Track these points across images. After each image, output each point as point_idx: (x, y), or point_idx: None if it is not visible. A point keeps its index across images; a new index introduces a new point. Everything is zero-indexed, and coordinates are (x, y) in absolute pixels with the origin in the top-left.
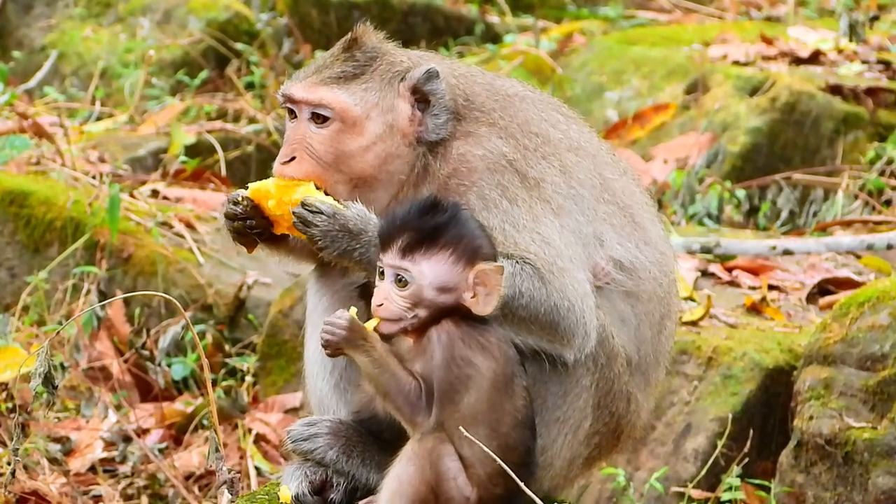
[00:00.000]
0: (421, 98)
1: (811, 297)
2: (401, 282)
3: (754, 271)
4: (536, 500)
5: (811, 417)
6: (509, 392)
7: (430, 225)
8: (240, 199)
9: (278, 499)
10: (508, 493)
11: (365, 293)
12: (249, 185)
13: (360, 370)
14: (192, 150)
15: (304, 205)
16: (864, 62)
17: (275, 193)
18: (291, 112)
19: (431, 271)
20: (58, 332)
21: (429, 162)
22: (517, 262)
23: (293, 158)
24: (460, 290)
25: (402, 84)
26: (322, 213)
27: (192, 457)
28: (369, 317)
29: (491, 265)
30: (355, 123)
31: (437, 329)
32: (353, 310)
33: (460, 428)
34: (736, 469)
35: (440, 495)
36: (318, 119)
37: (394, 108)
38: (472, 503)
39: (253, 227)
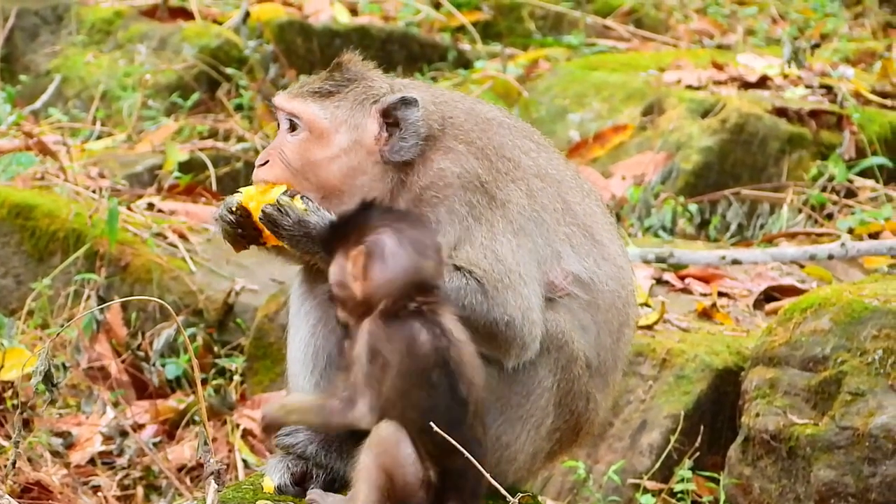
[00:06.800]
0: (393, 122)
1: (758, 304)
2: None
3: (705, 279)
4: (500, 488)
5: (758, 415)
6: None
7: None
8: (234, 208)
9: (262, 489)
10: (465, 465)
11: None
12: (242, 189)
13: None
14: (185, 167)
15: (276, 203)
16: (807, 87)
17: (255, 196)
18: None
19: None
20: (58, 334)
21: (404, 177)
22: (465, 275)
23: (267, 162)
24: None
25: (375, 106)
26: (289, 216)
27: (184, 450)
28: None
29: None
30: (322, 135)
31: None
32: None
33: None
34: (688, 462)
35: (397, 480)
36: (292, 128)
37: (362, 126)
38: (431, 484)
39: (244, 235)
